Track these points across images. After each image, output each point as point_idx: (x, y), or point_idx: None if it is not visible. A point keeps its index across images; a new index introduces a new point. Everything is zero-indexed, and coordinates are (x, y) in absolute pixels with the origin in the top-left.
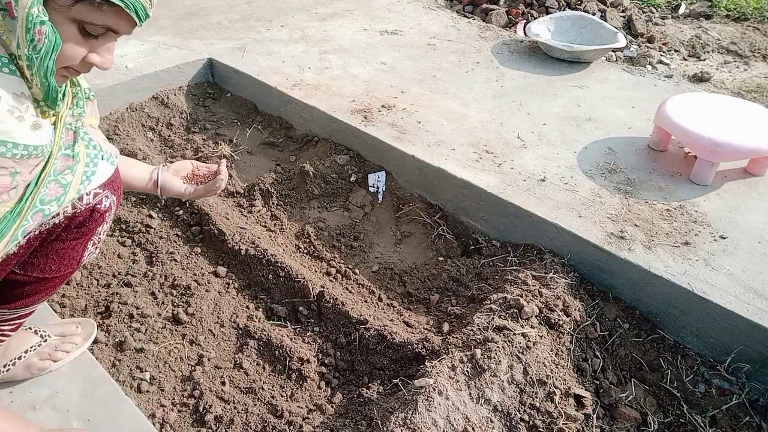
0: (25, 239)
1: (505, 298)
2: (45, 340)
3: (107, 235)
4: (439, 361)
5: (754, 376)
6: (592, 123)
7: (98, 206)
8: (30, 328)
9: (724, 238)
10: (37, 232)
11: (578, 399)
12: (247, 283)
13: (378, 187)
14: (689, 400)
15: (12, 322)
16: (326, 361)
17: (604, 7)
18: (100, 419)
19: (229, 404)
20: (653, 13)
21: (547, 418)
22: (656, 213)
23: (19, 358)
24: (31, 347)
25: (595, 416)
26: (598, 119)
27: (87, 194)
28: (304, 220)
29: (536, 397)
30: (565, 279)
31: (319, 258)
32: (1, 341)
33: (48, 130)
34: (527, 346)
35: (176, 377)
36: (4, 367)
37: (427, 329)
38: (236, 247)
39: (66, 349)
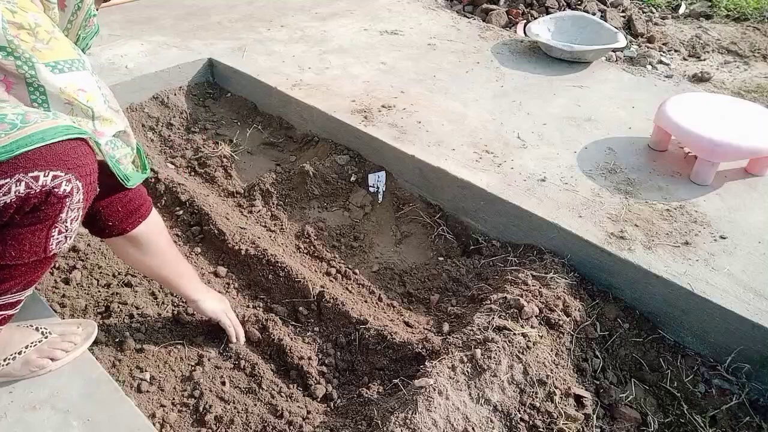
0: None
1: (505, 298)
2: (45, 337)
3: None
4: (439, 361)
5: (754, 376)
6: (592, 123)
7: (56, 190)
8: (31, 326)
9: (724, 238)
10: None
11: (578, 399)
12: (247, 283)
13: (378, 187)
14: (689, 400)
15: None
16: (326, 361)
17: (604, 7)
18: (100, 419)
19: (229, 404)
20: (653, 13)
21: (547, 418)
22: (656, 213)
23: (19, 353)
24: (32, 343)
25: (595, 416)
26: (598, 119)
27: (45, 175)
28: (304, 220)
29: (536, 397)
30: (565, 279)
31: (319, 258)
32: None
33: None
34: (527, 346)
35: (176, 377)
36: (5, 361)
37: (427, 329)
38: (236, 247)
39: (65, 348)
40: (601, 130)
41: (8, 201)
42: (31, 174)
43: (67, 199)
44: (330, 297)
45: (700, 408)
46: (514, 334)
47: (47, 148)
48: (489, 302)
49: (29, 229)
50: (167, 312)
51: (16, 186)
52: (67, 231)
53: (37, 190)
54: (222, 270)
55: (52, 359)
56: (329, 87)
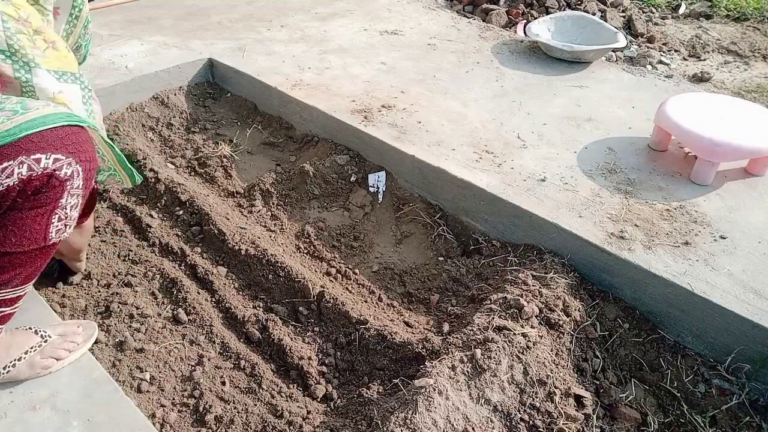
0: None
1: (505, 298)
2: (46, 340)
3: (109, 235)
4: (439, 361)
5: (754, 376)
6: (592, 123)
7: (57, 172)
8: (31, 329)
9: (724, 238)
10: None
11: (578, 399)
12: (247, 283)
13: (378, 187)
14: (689, 400)
15: None
16: (326, 361)
17: (604, 7)
18: (100, 419)
19: (229, 404)
20: (653, 13)
21: (547, 418)
22: (656, 213)
23: (19, 360)
24: (32, 348)
25: (595, 416)
26: (598, 119)
27: (46, 158)
28: (304, 220)
29: (536, 397)
30: (565, 279)
31: (319, 258)
32: None
33: None
34: (527, 346)
35: (176, 377)
36: (4, 368)
37: (427, 329)
38: (236, 247)
39: (68, 348)
40: (601, 130)
41: (11, 183)
42: (33, 156)
43: (67, 183)
44: (330, 297)
45: (700, 408)
46: (514, 334)
47: (49, 132)
48: (489, 302)
49: (31, 214)
50: (167, 312)
51: (19, 168)
52: (66, 218)
53: (39, 172)
54: (222, 270)
55: (55, 359)
56: (329, 87)
